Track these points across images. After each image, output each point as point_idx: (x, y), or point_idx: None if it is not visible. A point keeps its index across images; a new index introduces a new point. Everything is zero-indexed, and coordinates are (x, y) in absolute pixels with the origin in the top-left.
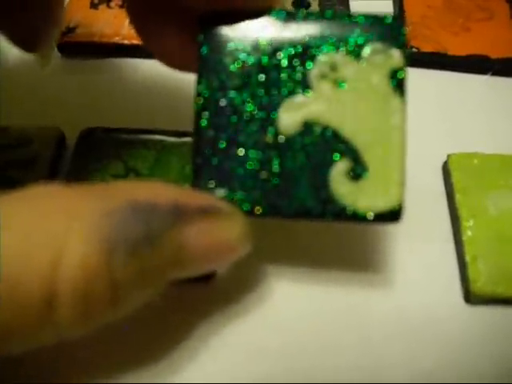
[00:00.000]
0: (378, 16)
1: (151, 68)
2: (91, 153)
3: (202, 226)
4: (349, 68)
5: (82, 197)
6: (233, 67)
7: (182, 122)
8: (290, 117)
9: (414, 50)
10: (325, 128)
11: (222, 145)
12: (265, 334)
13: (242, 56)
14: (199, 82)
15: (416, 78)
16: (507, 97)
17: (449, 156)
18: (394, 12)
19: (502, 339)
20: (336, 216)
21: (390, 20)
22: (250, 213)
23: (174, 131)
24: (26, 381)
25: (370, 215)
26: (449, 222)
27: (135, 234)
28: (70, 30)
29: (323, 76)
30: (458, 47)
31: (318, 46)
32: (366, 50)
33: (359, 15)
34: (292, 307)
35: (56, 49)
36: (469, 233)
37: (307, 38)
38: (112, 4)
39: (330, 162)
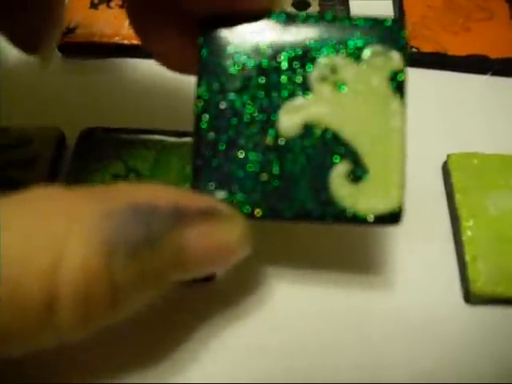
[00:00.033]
0: (377, 19)
1: (151, 68)
2: (91, 153)
3: (202, 228)
4: (349, 70)
5: (82, 199)
6: (233, 70)
7: (182, 122)
8: (290, 119)
9: (414, 50)
10: (325, 130)
11: (222, 147)
12: (265, 336)
13: (242, 59)
14: (199, 85)
15: (416, 78)
16: (507, 97)
17: (449, 156)
18: (394, 12)
19: (501, 339)
20: (336, 218)
21: (389, 23)
22: (250, 215)
23: (174, 131)
24: (27, 381)
25: (370, 217)
26: (449, 221)
27: (135, 236)
28: (70, 30)
29: (323, 78)
30: (457, 47)
31: (318, 49)
32: (366, 53)
33: (359, 18)
34: (292, 308)
35: (56, 49)
36: (469, 233)
37: (307, 41)
38: (112, 4)
39: (330, 165)
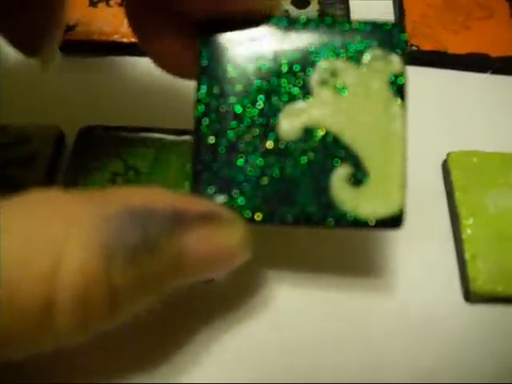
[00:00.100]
0: (377, 22)
1: (150, 66)
2: (90, 151)
3: (202, 232)
4: (349, 74)
5: (80, 202)
6: (233, 73)
7: (181, 120)
8: (290, 123)
9: (414, 48)
10: (325, 134)
11: (223, 151)
12: (266, 338)
13: (243, 62)
14: (199, 89)
15: (416, 76)
16: (507, 95)
17: (448, 154)
18: (394, 10)
19: (501, 337)
20: (337, 222)
21: (389, 26)
22: (250, 219)
23: (173, 129)
24: (26, 381)
25: (372, 221)
26: (448, 220)
27: (133, 239)
28: (70, 28)
29: (323, 82)
30: (458, 46)
31: (318, 53)
32: (366, 57)
33: (359, 22)
34: (293, 310)
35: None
36: (468, 231)
37: (307, 45)
38: (111, 2)
39: (331, 168)
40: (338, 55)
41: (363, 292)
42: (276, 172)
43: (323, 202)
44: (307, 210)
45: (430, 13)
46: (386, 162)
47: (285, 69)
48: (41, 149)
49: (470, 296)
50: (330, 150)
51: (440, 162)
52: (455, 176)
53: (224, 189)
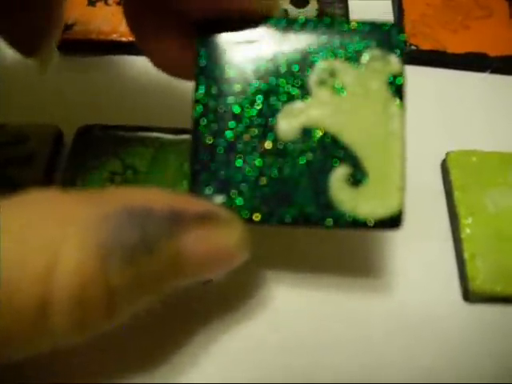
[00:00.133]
0: (376, 23)
1: (149, 65)
2: (88, 150)
3: (200, 232)
4: (348, 74)
5: (78, 202)
6: (231, 74)
7: (179, 119)
8: (288, 123)
9: (413, 47)
10: (324, 134)
11: (221, 151)
12: (265, 338)
13: (241, 63)
14: (197, 89)
15: (415, 75)
16: (506, 95)
17: (447, 154)
18: (394, 10)
19: (500, 337)
20: (336, 222)
21: (388, 26)
22: (248, 220)
23: (171, 128)
24: (26, 381)
25: (370, 222)
26: (447, 219)
27: (131, 239)
28: (68, 27)
29: (322, 82)
30: (456, 45)
31: (317, 53)
32: (365, 57)
33: (358, 22)
34: (292, 311)
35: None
36: (467, 231)
37: (306, 45)
38: (110, 1)
39: (330, 168)
40: (336, 55)
41: (362, 292)
42: (274, 172)
43: (322, 202)
44: (306, 210)
45: (429, 12)
46: (384, 162)
47: (283, 69)
48: (39, 148)
49: (469, 296)
50: (329, 150)
51: (439, 162)
52: (454, 175)
53: (222, 189)
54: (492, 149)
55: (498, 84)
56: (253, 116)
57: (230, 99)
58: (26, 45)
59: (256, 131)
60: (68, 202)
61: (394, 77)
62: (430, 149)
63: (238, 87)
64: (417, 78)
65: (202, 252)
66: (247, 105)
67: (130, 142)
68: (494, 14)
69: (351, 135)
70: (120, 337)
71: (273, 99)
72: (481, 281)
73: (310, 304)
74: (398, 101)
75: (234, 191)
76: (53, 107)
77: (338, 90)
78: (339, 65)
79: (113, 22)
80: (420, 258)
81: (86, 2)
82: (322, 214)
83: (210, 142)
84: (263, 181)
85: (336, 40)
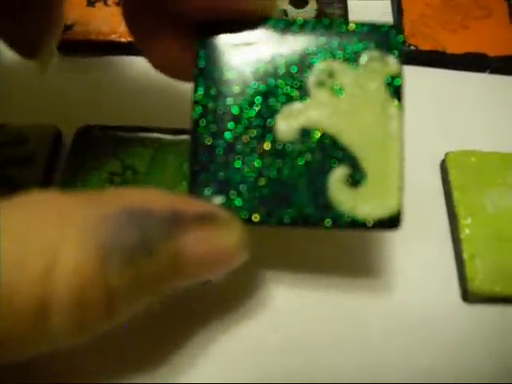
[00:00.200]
0: (374, 24)
1: (148, 66)
2: (88, 151)
3: (200, 233)
4: (346, 75)
5: (78, 203)
6: (230, 75)
7: (179, 120)
8: (287, 124)
9: (413, 47)
10: (323, 135)
11: (220, 152)
12: (264, 339)
13: (240, 64)
14: (196, 90)
15: (414, 76)
16: (505, 95)
17: (447, 154)
18: (393, 10)
19: (499, 338)
20: (334, 223)
21: (386, 28)
22: (247, 220)
23: (171, 129)
24: (26, 381)
25: (369, 222)
26: (446, 220)
27: (130, 240)
28: (67, 27)
29: (321, 83)
30: (456, 45)
31: (316, 54)
32: (364, 58)
33: (356, 23)
34: (291, 311)
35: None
36: (466, 231)
37: (304, 46)
38: (109, 2)
39: (328, 169)
40: (335, 56)
41: (361, 292)
42: (273, 173)
43: (321, 203)
44: (305, 211)
45: (429, 12)
46: (383, 163)
47: (282, 70)
48: (38, 148)
49: (467, 296)
50: (328, 151)
51: (438, 162)
52: (453, 176)
53: (221, 190)
54: (491, 149)
55: (497, 84)
56: (252, 117)
57: (229, 100)
58: (26, 46)
59: (255, 132)
60: (67, 203)
61: (393, 78)
62: (429, 149)
63: (236, 88)
64: (416, 78)
65: (201, 253)
66: (246, 106)
67: (129, 142)
68: (493, 14)
69: (350, 136)
70: (120, 337)
71: (272, 100)
72: (480, 281)
73: (309, 304)
74: (396, 102)
75: (233, 192)
76: (52, 108)
77: (336, 91)
78: (338, 66)
79: (112, 23)
80: (419, 259)
81: (86, 3)
82: (320, 214)
83: (209, 143)
84: (262, 181)
85: (334, 41)
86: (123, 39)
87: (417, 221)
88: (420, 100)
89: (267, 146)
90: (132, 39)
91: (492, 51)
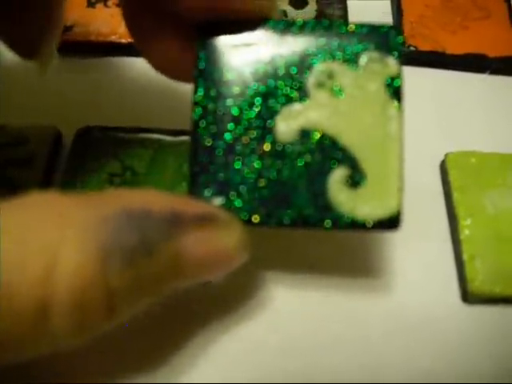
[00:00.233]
0: (374, 25)
1: (148, 67)
2: (88, 151)
3: (200, 234)
4: (346, 76)
5: (78, 204)
6: (230, 76)
7: (178, 121)
8: (287, 125)
9: (412, 48)
10: (322, 136)
11: (220, 153)
12: (264, 339)
13: (240, 65)
14: (196, 91)
15: (414, 76)
16: (505, 95)
17: (446, 155)
18: (392, 11)
19: (499, 338)
20: (334, 224)
21: (386, 29)
22: (247, 221)
23: (171, 130)
24: (26, 381)
25: (369, 223)
26: (446, 221)
27: (131, 241)
28: (67, 28)
29: (320, 84)
30: (455, 46)
31: (315, 55)
32: (363, 59)
33: (356, 24)
34: (291, 311)
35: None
36: (466, 232)
37: (304, 47)
38: (109, 3)
39: (328, 170)
40: (334, 57)
41: (361, 293)
42: (273, 174)
43: (320, 203)
44: (304, 212)
45: (428, 13)
46: (383, 164)
47: (282, 71)
48: (38, 149)
49: (467, 297)
50: (327, 152)
51: (438, 163)
52: (453, 176)
53: (221, 191)
54: (491, 150)
55: (497, 85)
56: (251, 118)
57: (229, 101)
58: (26, 47)
59: (255, 133)
60: (67, 204)
61: (392, 79)
62: (429, 150)
63: (236, 89)
64: (416, 78)
65: (201, 254)
66: (246, 107)
67: (129, 143)
68: (493, 14)
69: (349, 137)
70: (120, 338)
71: (271, 101)
72: (480, 282)
73: (309, 305)
74: (395, 103)
75: (232, 193)
76: (52, 108)
77: (336, 92)
78: (337, 67)
79: (112, 24)
80: (419, 259)
81: (86, 4)
82: (320, 215)
83: (209, 144)
84: (262, 183)
85: (334, 42)
86: (123, 40)
87: (417, 221)
88: (420, 101)
89: (267, 147)
90: (132, 40)
91: (492, 52)
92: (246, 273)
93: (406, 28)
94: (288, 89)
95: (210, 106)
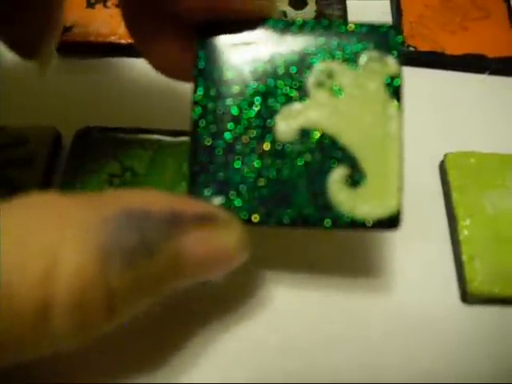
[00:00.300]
0: (374, 24)
1: (147, 67)
2: (87, 152)
3: (199, 234)
4: (345, 76)
5: (77, 205)
6: (230, 76)
7: (178, 121)
8: (287, 124)
9: (412, 49)
10: (322, 135)
11: (219, 153)
12: (264, 339)
13: (239, 65)
14: (196, 91)
15: (413, 77)
16: (504, 96)
17: (446, 155)
18: (392, 11)
19: (498, 339)
20: (334, 223)
21: (385, 28)
22: (247, 221)
23: (170, 130)
24: (27, 381)
25: (369, 222)
26: (446, 221)
27: (131, 242)
28: (67, 29)
29: (320, 84)
30: (455, 46)
31: (315, 54)
32: (363, 58)
33: (355, 24)
34: (291, 311)
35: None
36: (465, 232)
37: (304, 47)
38: (108, 3)
39: (328, 169)
40: (334, 57)
41: (361, 293)
42: (273, 173)
43: (320, 203)
44: (304, 211)
45: (428, 13)
46: (382, 163)
47: (281, 71)
48: (38, 150)
49: (466, 297)
50: (327, 151)
51: (437, 163)
52: (452, 177)
53: (221, 190)
54: (490, 150)
55: (496, 85)
56: (251, 117)
57: (229, 101)
58: (26, 47)
59: (254, 133)
60: (67, 204)
61: (392, 78)
62: (429, 150)
63: (236, 89)
64: (415, 79)
65: (201, 253)
66: (246, 106)
67: (128, 144)
68: (492, 15)
69: (349, 136)
70: (120, 338)
71: (271, 101)
72: (479, 282)
73: (309, 304)
74: (395, 102)
75: (232, 192)
76: (52, 109)
77: (335, 92)
78: (337, 66)
79: (111, 24)
80: (418, 259)
81: (85, 4)
82: (320, 214)
83: (209, 144)
84: (262, 182)
85: (334, 42)
86: (123, 41)
87: (416, 221)
88: (419, 101)
89: (267, 146)
90: (131, 41)
91: (491, 52)
92: (246, 272)
93: (406, 28)
94: (288, 88)
95: (210, 105)
